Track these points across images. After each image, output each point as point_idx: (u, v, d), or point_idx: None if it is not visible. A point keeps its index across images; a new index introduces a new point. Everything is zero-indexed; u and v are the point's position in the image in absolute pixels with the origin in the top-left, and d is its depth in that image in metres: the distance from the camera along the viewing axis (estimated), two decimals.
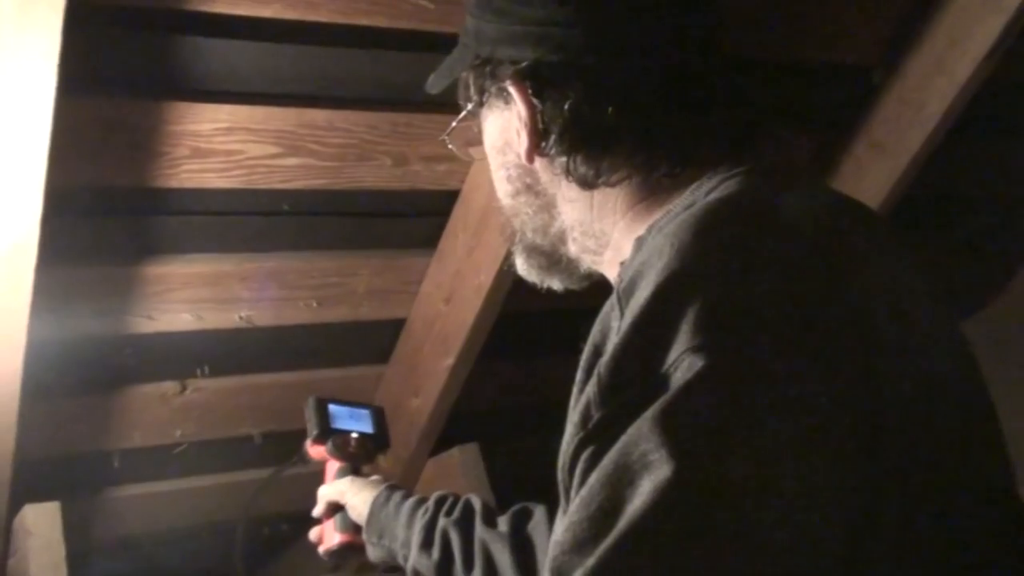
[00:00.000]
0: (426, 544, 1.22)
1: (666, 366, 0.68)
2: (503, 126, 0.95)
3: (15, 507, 1.72)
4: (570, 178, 0.91)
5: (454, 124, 1.03)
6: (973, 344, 0.85)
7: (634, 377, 0.70)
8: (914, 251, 0.87)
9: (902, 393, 0.74)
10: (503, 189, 1.00)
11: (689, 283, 0.72)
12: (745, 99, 0.96)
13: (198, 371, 1.90)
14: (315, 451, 1.43)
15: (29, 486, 1.73)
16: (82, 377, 1.79)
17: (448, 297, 1.88)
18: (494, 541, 1.19)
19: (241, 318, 1.81)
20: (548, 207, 0.96)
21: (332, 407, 1.42)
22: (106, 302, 1.70)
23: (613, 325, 0.76)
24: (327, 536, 1.36)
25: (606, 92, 0.88)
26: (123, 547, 2.08)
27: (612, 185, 0.90)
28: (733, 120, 0.93)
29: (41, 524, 1.69)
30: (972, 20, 1.82)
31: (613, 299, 0.78)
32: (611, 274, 0.95)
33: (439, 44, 1.35)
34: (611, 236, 0.93)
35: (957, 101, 1.89)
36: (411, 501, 1.27)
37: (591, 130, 0.89)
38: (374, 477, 1.38)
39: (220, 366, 1.92)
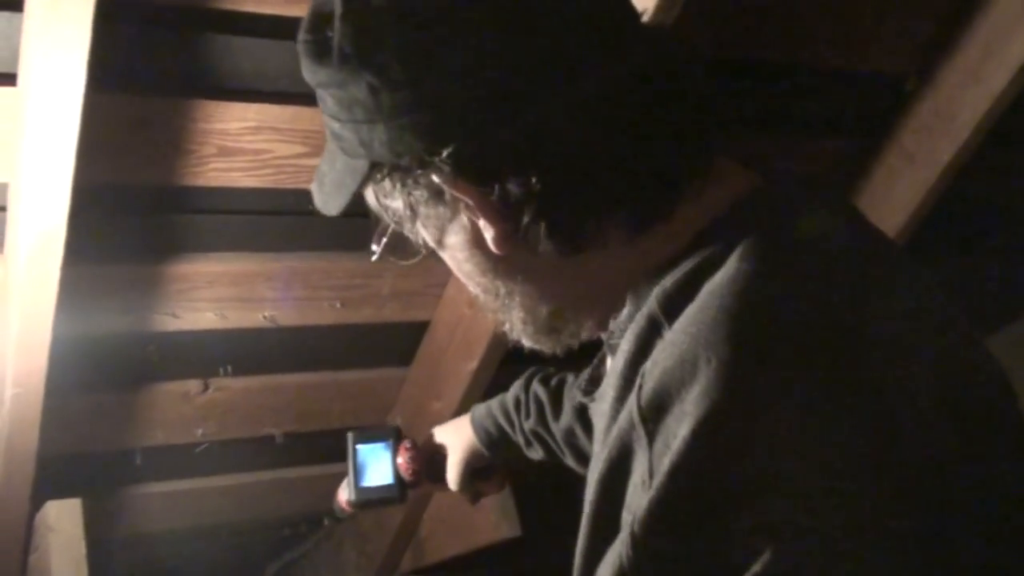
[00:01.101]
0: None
1: (722, 540, 0.64)
2: (455, 227, 0.80)
3: (37, 503, 1.72)
4: (553, 250, 0.78)
5: (378, 249, 0.87)
6: (1003, 356, 0.82)
7: (679, 542, 0.66)
8: (939, 274, 0.83)
9: (940, 443, 0.70)
10: (476, 287, 0.86)
11: (738, 428, 0.66)
12: (718, 102, 0.82)
13: (221, 370, 1.91)
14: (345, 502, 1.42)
15: (51, 482, 1.74)
16: (105, 374, 1.80)
17: (472, 301, 1.87)
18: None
19: (265, 318, 1.80)
20: (533, 291, 0.84)
21: (360, 453, 1.38)
22: (130, 299, 1.70)
23: (637, 451, 0.70)
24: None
25: (562, 145, 0.74)
26: (143, 545, 2.09)
27: (603, 245, 0.78)
28: (716, 129, 0.81)
29: (63, 520, 1.69)
30: (1008, 30, 1.80)
31: (633, 410, 0.70)
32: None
33: None
34: (609, 295, 0.82)
35: (991, 112, 1.86)
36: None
37: (563, 193, 0.75)
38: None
39: (243, 365, 1.92)
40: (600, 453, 0.75)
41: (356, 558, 2.32)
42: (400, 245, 0.85)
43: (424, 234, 0.83)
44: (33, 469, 1.66)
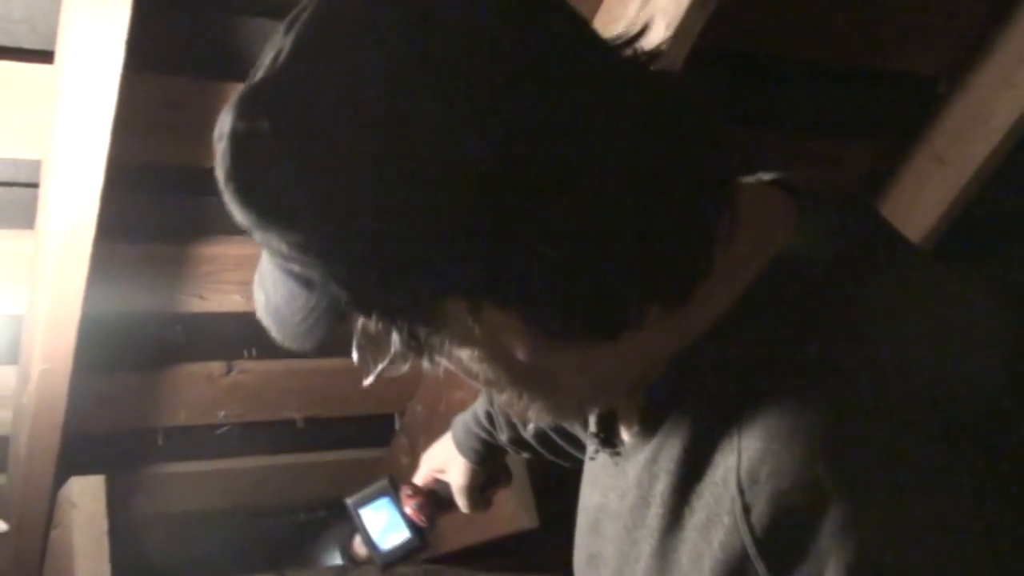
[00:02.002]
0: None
1: None
2: (469, 346, 0.68)
3: (61, 478, 1.74)
4: (588, 341, 0.66)
5: (372, 379, 0.72)
6: None
7: None
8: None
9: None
10: (490, 390, 0.75)
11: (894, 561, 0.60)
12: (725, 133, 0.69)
13: (245, 353, 1.92)
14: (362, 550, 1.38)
15: (75, 458, 1.75)
16: (131, 353, 1.81)
17: None
18: None
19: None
20: (560, 388, 0.73)
21: (364, 518, 1.32)
22: (159, 280, 1.71)
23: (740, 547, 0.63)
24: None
25: (579, 239, 0.62)
26: (162, 524, 2.11)
27: (639, 326, 0.66)
28: (731, 161, 0.70)
29: (86, 497, 1.71)
30: None
31: (744, 537, 0.63)
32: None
33: None
34: (643, 372, 0.73)
35: None
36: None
37: (593, 286, 0.63)
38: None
39: (267, 349, 1.93)
40: (677, 557, 0.68)
41: None
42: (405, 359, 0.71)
43: (431, 359, 0.70)
44: (58, 445, 1.68)
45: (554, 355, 0.68)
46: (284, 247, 0.63)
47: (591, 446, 0.85)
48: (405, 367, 0.70)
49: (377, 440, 2.24)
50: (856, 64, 1.88)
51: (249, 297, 1.76)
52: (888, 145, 2.05)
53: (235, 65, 1.47)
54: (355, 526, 1.33)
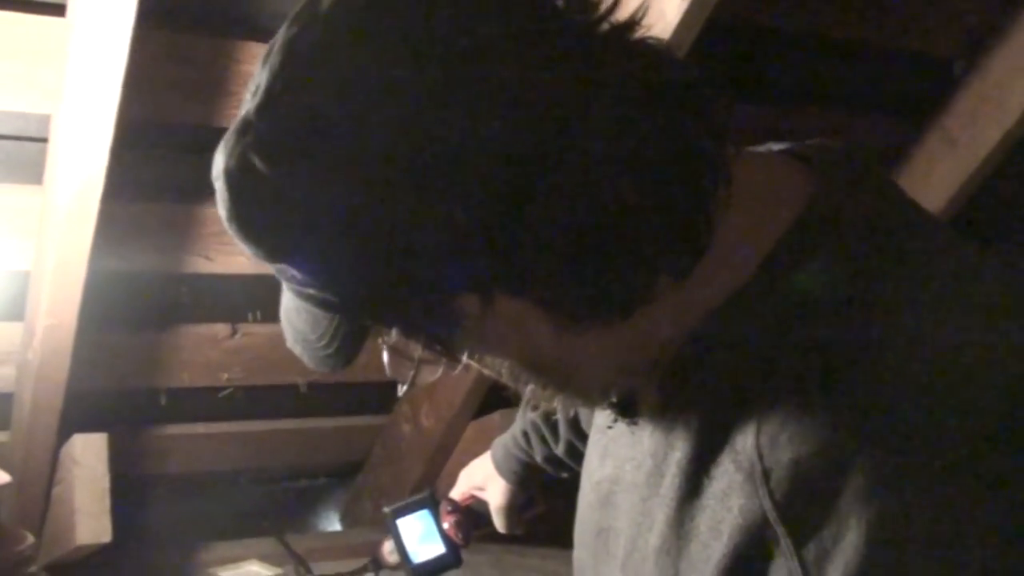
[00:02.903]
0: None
1: None
2: (489, 341, 0.69)
3: (64, 435, 1.74)
4: (602, 324, 0.67)
5: (406, 388, 0.74)
6: None
7: None
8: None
9: None
10: (516, 381, 0.75)
11: (919, 531, 0.59)
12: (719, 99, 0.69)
13: (250, 316, 1.92)
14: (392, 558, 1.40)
15: (78, 416, 1.75)
16: (136, 313, 1.81)
17: None
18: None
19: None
20: (582, 374, 0.74)
21: (402, 528, 1.34)
22: (166, 239, 1.71)
23: (774, 551, 0.62)
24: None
25: (579, 221, 0.62)
26: (165, 484, 2.11)
27: (651, 300, 0.66)
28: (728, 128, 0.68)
29: (88, 454, 1.71)
30: None
31: (765, 504, 0.62)
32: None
33: None
34: (662, 347, 0.73)
35: None
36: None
37: (601, 265, 0.64)
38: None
39: (272, 312, 1.90)
40: (695, 526, 0.68)
41: (372, 510, 2.33)
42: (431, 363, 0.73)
43: (450, 361, 0.72)
44: (61, 401, 1.68)
45: (573, 341, 0.68)
46: (296, 275, 0.65)
47: (607, 416, 0.85)
48: (437, 373, 0.71)
49: (379, 407, 2.25)
50: (872, 42, 1.87)
51: (256, 259, 1.77)
52: (901, 124, 2.04)
53: (247, 23, 1.47)
54: (391, 534, 1.34)
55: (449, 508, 1.31)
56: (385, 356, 0.72)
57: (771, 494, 0.62)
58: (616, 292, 0.65)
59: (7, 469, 1.55)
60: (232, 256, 1.75)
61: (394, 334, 0.68)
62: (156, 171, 1.62)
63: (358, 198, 0.61)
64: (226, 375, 1.99)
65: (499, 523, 1.30)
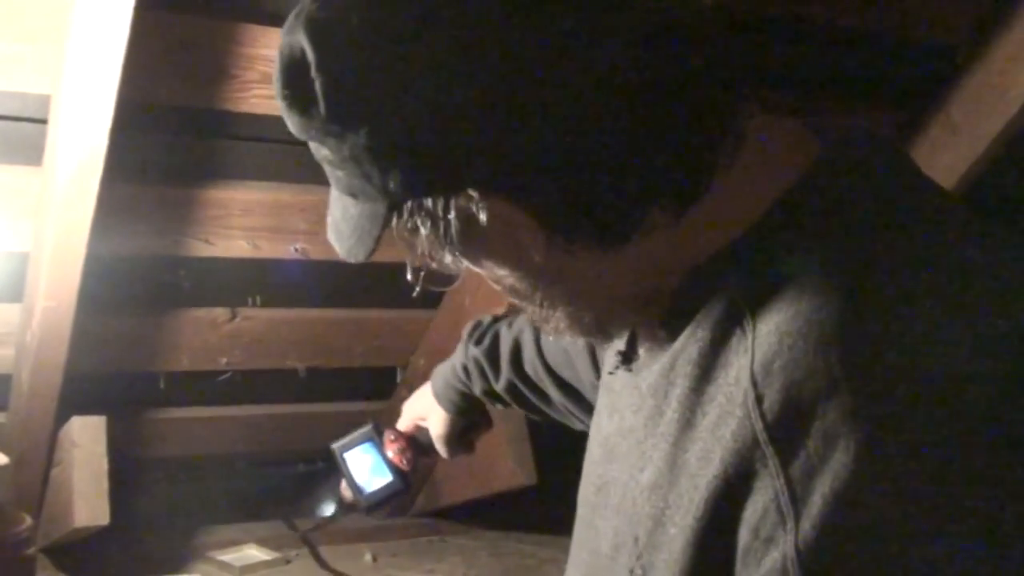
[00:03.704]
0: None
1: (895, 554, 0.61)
2: (492, 245, 0.75)
3: (62, 418, 1.73)
4: (597, 247, 0.72)
5: (417, 286, 0.79)
6: None
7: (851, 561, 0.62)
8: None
9: None
10: (516, 298, 0.81)
11: (901, 442, 0.62)
12: (742, 55, 0.74)
13: (249, 300, 1.92)
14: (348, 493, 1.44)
15: (77, 398, 1.75)
16: (135, 295, 1.81)
17: None
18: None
19: (296, 250, 1.80)
20: (579, 297, 0.79)
21: (349, 462, 1.39)
22: (165, 222, 1.71)
23: (760, 471, 0.65)
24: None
25: (584, 137, 0.67)
26: (162, 467, 2.11)
27: (648, 232, 0.71)
28: (745, 84, 0.73)
29: (86, 436, 1.71)
30: None
31: (756, 426, 0.65)
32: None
33: None
34: (660, 286, 0.77)
35: None
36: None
37: (598, 185, 0.69)
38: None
39: (271, 297, 1.93)
40: (686, 458, 0.71)
41: None
42: (436, 274, 0.78)
43: (459, 260, 0.76)
44: (60, 383, 1.68)
45: (568, 260, 0.73)
46: (328, 153, 0.71)
47: (609, 365, 0.89)
48: (438, 266, 0.76)
49: (378, 392, 2.24)
50: (875, 29, 1.86)
51: (255, 244, 1.77)
52: (903, 112, 2.03)
53: (249, 6, 1.46)
54: (340, 470, 1.39)
55: (393, 437, 1.36)
56: (418, 275, 0.78)
57: (763, 416, 0.65)
58: (606, 216, 0.70)
59: (5, 451, 1.54)
60: (232, 240, 1.75)
61: (403, 223, 0.72)
62: (156, 153, 1.61)
63: (386, 85, 0.66)
64: (225, 359, 1.99)
65: (441, 450, 1.35)
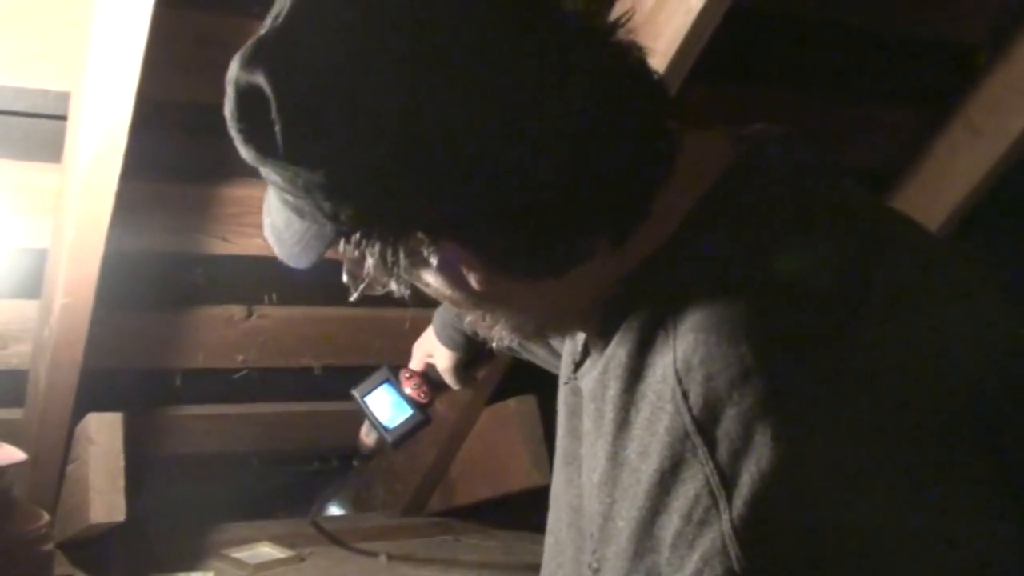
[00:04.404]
0: None
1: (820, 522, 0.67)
2: (435, 273, 0.79)
3: (79, 414, 1.74)
4: (542, 279, 0.78)
5: (355, 297, 0.84)
6: None
7: (782, 534, 0.67)
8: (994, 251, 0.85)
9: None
10: (459, 312, 0.88)
11: (813, 418, 0.68)
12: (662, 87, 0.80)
13: (266, 298, 1.92)
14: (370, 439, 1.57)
15: (94, 395, 1.75)
16: (152, 292, 1.81)
17: None
18: None
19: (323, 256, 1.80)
20: (519, 313, 0.84)
21: (371, 404, 1.51)
22: (183, 219, 1.71)
23: (690, 459, 0.69)
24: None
25: (529, 184, 0.72)
26: (178, 464, 2.11)
27: (588, 260, 0.77)
28: (675, 110, 0.80)
29: (103, 433, 1.71)
30: None
31: (684, 419, 0.70)
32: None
33: None
34: (595, 299, 0.82)
35: None
36: None
37: (542, 226, 0.74)
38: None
39: (288, 295, 1.93)
40: (626, 455, 0.75)
41: (384, 495, 2.33)
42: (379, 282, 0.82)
43: (403, 286, 0.81)
44: (77, 380, 1.68)
45: (506, 285, 0.79)
46: (279, 180, 0.74)
47: (564, 375, 0.95)
48: (381, 289, 0.81)
49: None
50: (896, 30, 1.85)
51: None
52: (924, 113, 2.02)
53: (270, 4, 1.45)
54: (364, 412, 1.51)
55: (407, 375, 1.48)
56: (344, 268, 0.82)
57: (690, 410, 0.69)
58: (551, 253, 0.76)
59: (22, 446, 1.55)
60: (249, 238, 1.75)
61: (351, 249, 0.77)
62: (175, 151, 1.61)
63: (338, 129, 0.70)
64: (241, 357, 1.99)
65: (450, 382, 1.45)
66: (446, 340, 1.39)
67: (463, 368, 1.43)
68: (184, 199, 1.68)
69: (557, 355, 1.21)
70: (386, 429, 1.49)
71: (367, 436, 1.55)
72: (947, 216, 2.01)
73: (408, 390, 1.47)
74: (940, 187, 1.99)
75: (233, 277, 1.85)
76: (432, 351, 1.43)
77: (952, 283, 0.78)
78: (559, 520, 0.93)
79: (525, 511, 2.18)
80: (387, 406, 1.49)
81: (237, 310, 1.91)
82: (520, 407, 2.10)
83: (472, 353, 1.40)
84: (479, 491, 2.19)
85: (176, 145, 1.60)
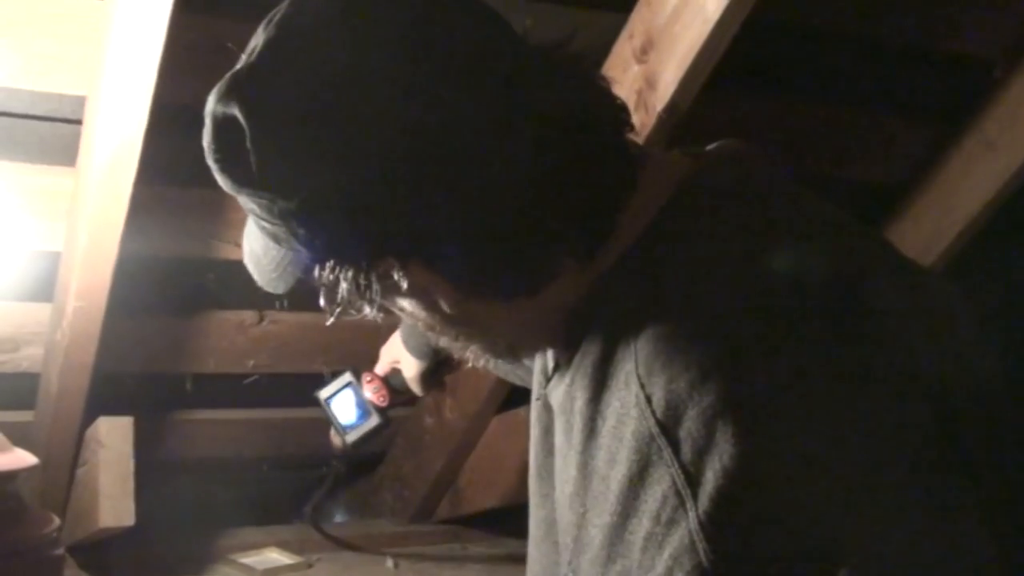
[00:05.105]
0: None
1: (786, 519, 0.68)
2: (406, 297, 0.84)
3: (89, 418, 1.74)
4: (504, 298, 0.83)
5: (331, 321, 0.87)
6: None
7: (749, 531, 0.68)
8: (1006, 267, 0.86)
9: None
10: (435, 333, 0.90)
11: (774, 411, 0.70)
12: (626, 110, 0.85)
13: (277, 303, 1.91)
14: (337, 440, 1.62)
15: (104, 398, 1.75)
16: (164, 296, 1.81)
17: None
18: None
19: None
20: (489, 334, 0.89)
21: (333, 406, 1.58)
22: (196, 224, 1.71)
23: (656, 461, 0.71)
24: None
25: (495, 211, 0.76)
26: (187, 469, 2.11)
27: (554, 280, 0.81)
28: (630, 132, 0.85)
29: (113, 437, 1.71)
30: None
31: (648, 423, 0.71)
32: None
33: None
34: (564, 316, 0.85)
35: None
36: None
37: (510, 252, 0.79)
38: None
39: (299, 301, 1.92)
40: (595, 464, 0.76)
41: (392, 501, 2.33)
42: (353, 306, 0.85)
43: (376, 310, 0.84)
44: (88, 383, 1.68)
45: (478, 307, 0.82)
46: (255, 208, 0.78)
47: (535, 392, 0.97)
48: (356, 313, 0.84)
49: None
50: (912, 44, 1.84)
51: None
52: (939, 127, 2.01)
53: None
54: (327, 416, 1.58)
55: (368, 379, 1.54)
56: (321, 292, 0.84)
57: (653, 413, 0.71)
58: (518, 277, 0.80)
59: (32, 449, 1.55)
60: None
61: (325, 274, 0.80)
62: (189, 156, 1.60)
63: (310, 161, 0.74)
64: (252, 362, 1.99)
65: (416, 390, 1.50)
66: (412, 349, 1.43)
67: (429, 375, 1.48)
68: (197, 204, 1.68)
69: (530, 371, 1.24)
70: (345, 430, 1.56)
71: (334, 437, 1.60)
72: (960, 230, 2.00)
73: (368, 394, 1.53)
74: (954, 201, 1.99)
75: (245, 282, 1.80)
76: (399, 357, 1.48)
77: (920, 291, 0.82)
78: (534, 537, 0.94)
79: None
80: (349, 408, 1.56)
81: (248, 315, 1.91)
82: (529, 416, 2.09)
83: (437, 361, 1.44)
84: (487, 500, 2.18)
85: (190, 150, 1.59)
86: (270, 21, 0.78)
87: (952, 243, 2.01)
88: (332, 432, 1.60)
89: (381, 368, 1.53)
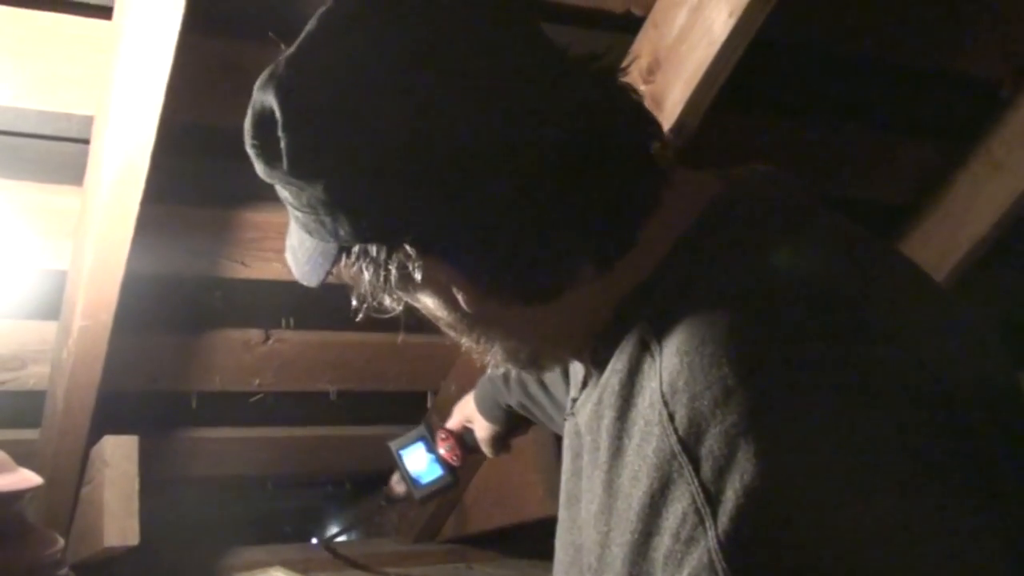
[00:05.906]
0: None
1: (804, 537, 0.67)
2: (428, 293, 0.83)
3: (95, 436, 1.74)
4: (524, 303, 0.82)
5: (360, 314, 0.87)
6: None
7: (768, 547, 0.67)
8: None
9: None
10: (454, 335, 0.90)
11: (797, 433, 0.69)
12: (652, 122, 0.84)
13: (283, 322, 1.92)
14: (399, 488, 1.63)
15: (110, 417, 1.76)
16: (170, 315, 1.81)
17: None
18: None
19: (331, 273, 1.80)
20: (510, 337, 0.88)
21: (405, 459, 1.58)
22: (202, 243, 1.71)
23: (677, 479, 0.70)
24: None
25: (516, 209, 0.76)
26: (192, 487, 2.11)
27: (574, 287, 0.81)
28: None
29: (118, 455, 1.71)
30: None
31: (670, 440, 0.71)
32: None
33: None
34: (586, 327, 0.85)
35: None
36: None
37: (527, 251, 0.78)
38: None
39: (305, 320, 1.93)
40: (620, 482, 0.76)
41: (397, 521, 2.32)
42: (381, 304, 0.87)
43: (397, 302, 0.86)
44: (93, 402, 1.68)
45: (497, 308, 0.82)
46: (288, 196, 0.80)
47: (566, 411, 0.96)
48: (378, 304, 0.85)
49: (409, 417, 2.23)
50: (919, 64, 1.84)
51: (290, 267, 1.77)
52: (946, 147, 2.01)
53: (294, 31, 1.46)
54: (396, 466, 1.58)
55: (443, 436, 1.52)
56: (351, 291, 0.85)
57: (676, 431, 0.71)
58: (536, 279, 0.80)
59: (37, 467, 1.55)
60: (267, 263, 1.75)
61: (349, 265, 0.81)
62: (196, 175, 1.62)
63: (339, 151, 0.75)
64: (257, 380, 1.99)
65: (487, 452, 1.51)
66: (485, 413, 1.45)
67: (500, 440, 1.48)
68: (204, 223, 1.68)
69: (558, 407, 1.26)
70: (416, 485, 1.56)
71: (397, 485, 1.61)
72: (968, 250, 2.00)
73: (442, 451, 1.52)
74: (962, 221, 1.98)
75: (251, 301, 1.85)
76: (472, 418, 1.49)
77: (947, 313, 0.81)
78: (561, 561, 0.94)
79: (539, 540, 2.17)
80: (420, 463, 1.56)
81: (254, 334, 1.91)
82: (536, 436, 2.08)
83: (509, 426, 1.45)
84: (493, 519, 2.17)
85: (197, 170, 1.61)
86: (317, 15, 0.79)
87: (960, 262, 2.00)
88: (395, 479, 1.62)
89: (453, 424, 1.54)
